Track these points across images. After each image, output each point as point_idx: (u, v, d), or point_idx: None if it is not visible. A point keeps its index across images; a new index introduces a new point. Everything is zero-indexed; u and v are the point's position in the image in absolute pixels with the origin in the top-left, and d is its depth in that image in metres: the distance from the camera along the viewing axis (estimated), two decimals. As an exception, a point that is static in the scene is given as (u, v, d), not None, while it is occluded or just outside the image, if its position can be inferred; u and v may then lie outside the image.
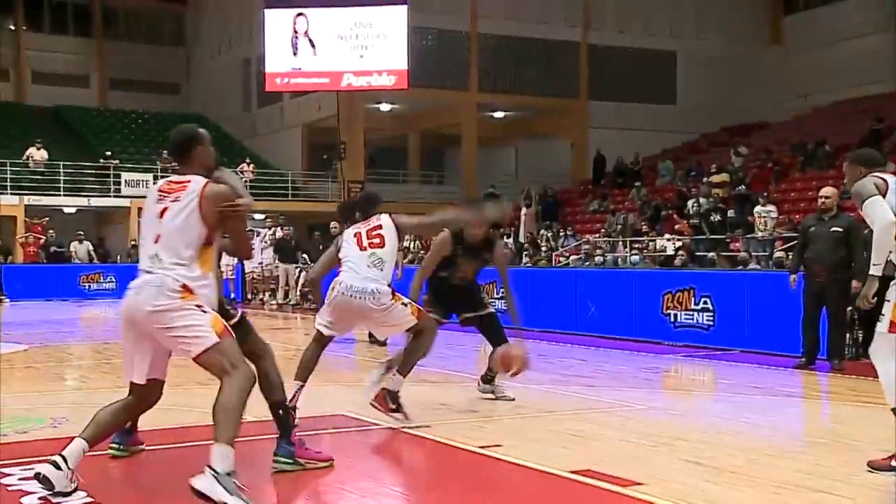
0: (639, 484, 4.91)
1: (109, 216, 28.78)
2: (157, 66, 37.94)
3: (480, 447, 5.80)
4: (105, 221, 28.87)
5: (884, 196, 5.08)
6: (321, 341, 6.80)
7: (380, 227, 6.63)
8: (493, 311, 8.09)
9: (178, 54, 38.73)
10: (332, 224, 23.89)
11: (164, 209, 4.53)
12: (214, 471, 4.08)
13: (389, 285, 6.47)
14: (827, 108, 28.67)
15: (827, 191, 10.97)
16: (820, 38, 29.92)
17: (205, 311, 4.50)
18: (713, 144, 30.15)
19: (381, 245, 6.57)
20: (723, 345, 12.28)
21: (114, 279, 24.01)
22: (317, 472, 5.49)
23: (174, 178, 4.74)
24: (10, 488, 4.70)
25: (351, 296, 6.46)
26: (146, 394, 4.69)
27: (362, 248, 6.58)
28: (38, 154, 27.82)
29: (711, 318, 12.91)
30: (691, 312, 13.34)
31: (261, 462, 5.24)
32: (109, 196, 28.12)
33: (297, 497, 5.46)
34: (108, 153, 29.02)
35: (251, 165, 29.50)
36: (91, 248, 25.83)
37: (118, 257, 26.98)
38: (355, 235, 6.70)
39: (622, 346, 13.21)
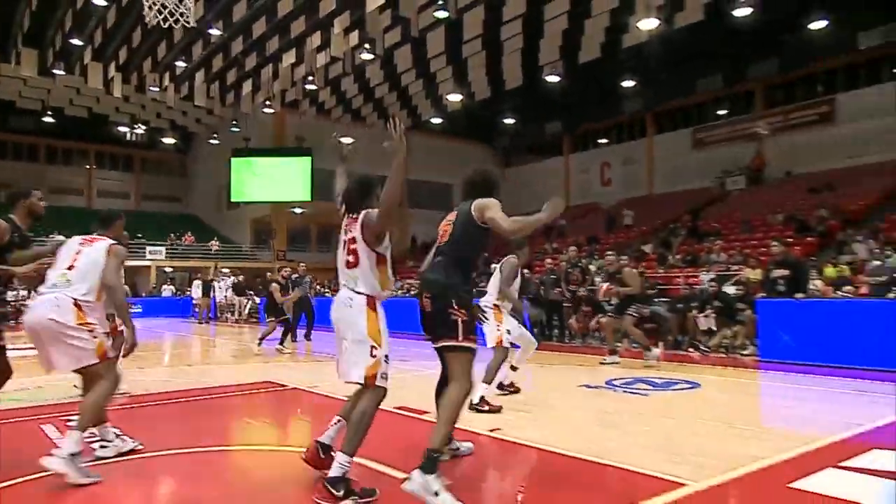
0: (426, 412, 4.85)
1: (138, 270, 27.22)
2: (169, 187, 36.43)
3: (346, 396, 5.49)
4: (136, 273, 27.26)
5: None
6: None
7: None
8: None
9: (182, 180, 37.28)
10: (268, 274, 23.56)
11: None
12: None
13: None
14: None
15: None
16: (529, 179, 31.56)
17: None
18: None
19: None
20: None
21: (141, 307, 22.75)
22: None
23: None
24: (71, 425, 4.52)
25: None
26: None
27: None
28: (97, 236, 26.29)
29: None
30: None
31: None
32: (138, 259, 26.58)
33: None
34: (139, 235, 27.59)
35: (217, 242, 29.02)
36: (127, 288, 24.41)
37: (142, 294, 25.53)
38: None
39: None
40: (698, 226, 20.17)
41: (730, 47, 20.31)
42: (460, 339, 3.07)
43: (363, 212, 3.26)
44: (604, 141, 30.40)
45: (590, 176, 30.47)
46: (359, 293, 3.17)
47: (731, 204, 22.65)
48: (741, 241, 17.08)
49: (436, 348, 3.20)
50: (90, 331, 3.48)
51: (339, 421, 3.36)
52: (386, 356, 3.13)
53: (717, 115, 25.93)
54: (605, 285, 9.07)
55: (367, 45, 17.73)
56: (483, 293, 5.58)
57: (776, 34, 19.28)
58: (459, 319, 3.06)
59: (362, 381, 3.10)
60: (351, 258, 3.22)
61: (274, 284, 10.86)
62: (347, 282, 3.23)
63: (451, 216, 3.43)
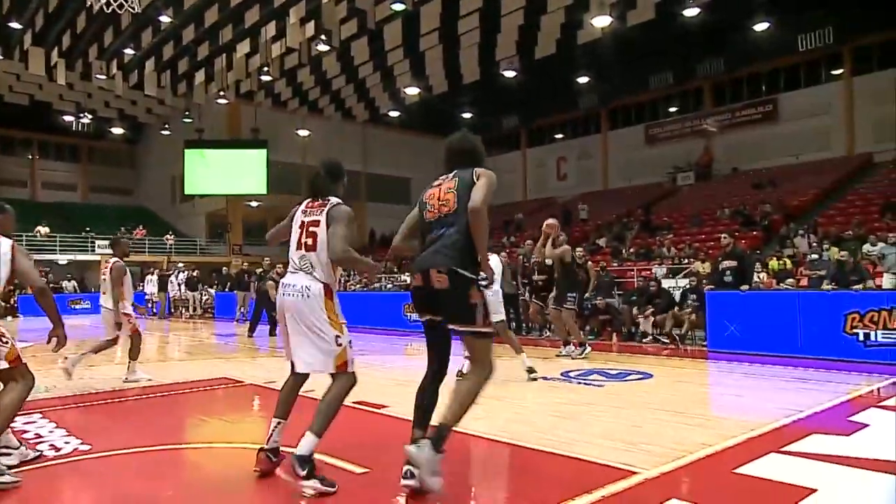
0: (386, 406, 4.84)
1: (87, 265, 26.32)
2: (119, 178, 35.24)
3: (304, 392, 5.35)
4: (84, 268, 26.30)
5: None
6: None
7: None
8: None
9: (132, 172, 36.11)
10: (224, 269, 23.02)
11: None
12: None
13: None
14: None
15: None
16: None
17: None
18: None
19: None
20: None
21: (90, 303, 22.00)
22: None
23: None
24: (12, 426, 4.33)
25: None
26: None
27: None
28: (43, 229, 25.32)
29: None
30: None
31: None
32: (87, 253, 25.84)
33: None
34: (87, 229, 26.67)
35: (172, 236, 28.09)
36: (76, 284, 23.67)
37: (92, 289, 24.66)
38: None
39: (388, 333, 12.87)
40: (651, 220, 20.63)
41: (680, 46, 20.79)
42: (481, 324, 2.87)
43: (333, 203, 3.20)
44: (560, 136, 30.75)
45: (546, 170, 30.82)
46: (316, 280, 3.09)
47: (682, 199, 23.24)
48: (691, 235, 17.55)
49: (455, 332, 2.95)
50: (0, 336, 3.23)
51: (278, 423, 3.23)
52: (349, 341, 3.13)
53: (669, 112, 26.56)
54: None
55: (323, 37, 17.47)
56: None
57: (723, 34, 19.83)
58: (479, 303, 2.85)
59: (333, 372, 3.09)
60: (309, 241, 3.13)
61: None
62: (303, 265, 3.13)
63: (448, 183, 3.04)
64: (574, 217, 24.17)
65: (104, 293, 6.43)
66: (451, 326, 2.95)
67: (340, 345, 3.07)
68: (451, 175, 3.09)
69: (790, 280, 10.17)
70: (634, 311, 10.40)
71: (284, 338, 3.24)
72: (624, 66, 21.94)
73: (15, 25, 18.10)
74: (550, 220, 7.78)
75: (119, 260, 6.37)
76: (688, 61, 23.83)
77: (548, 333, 11.33)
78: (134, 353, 6.51)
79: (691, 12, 15.16)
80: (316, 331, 3.07)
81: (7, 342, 3.26)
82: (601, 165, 28.59)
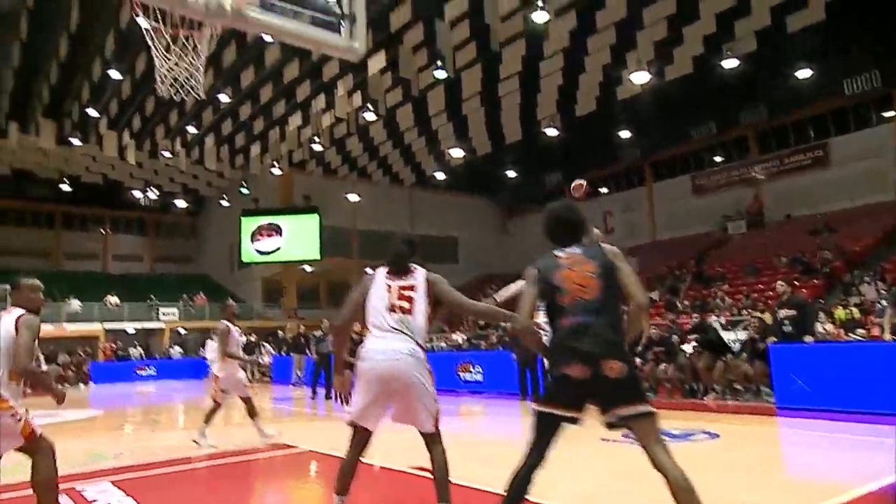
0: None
1: (152, 333, 27.09)
2: (181, 248, 36.73)
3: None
4: (150, 336, 27.08)
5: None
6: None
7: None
8: None
9: (194, 242, 37.57)
10: (279, 332, 23.35)
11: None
12: None
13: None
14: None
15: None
16: (531, 230, 31.44)
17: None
18: (484, 283, 30.80)
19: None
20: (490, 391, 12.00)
21: (155, 369, 22.60)
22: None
23: None
24: (85, 496, 4.38)
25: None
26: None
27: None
28: (112, 299, 26.35)
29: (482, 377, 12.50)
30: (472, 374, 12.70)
31: None
32: (153, 321, 26.73)
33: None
34: (152, 297, 27.65)
35: (232, 301, 28.75)
36: (142, 351, 24.41)
37: (157, 356, 25.33)
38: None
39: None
40: (703, 270, 20.05)
41: (720, 96, 20.63)
42: (648, 401, 2.69)
43: (422, 270, 3.29)
44: (604, 190, 30.58)
45: (592, 225, 30.54)
46: (417, 345, 3.13)
47: (734, 248, 22.57)
48: (748, 285, 16.94)
49: (624, 416, 2.63)
50: (13, 415, 3.11)
51: (341, 501, 3.13)
52: None
53: (714, 161, 26.16)
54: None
55: (370, 106, 18.12)
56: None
57: (764, 83, 19.61)
58: (641, 380, 2.75)
59: (432, 431, 3.16)
60: (406, 304, 3.14)
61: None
62: (401, 327, 3.10)
63: (586, 266, 2.73)
64: (623, 270, 23.70)
65: (214, 357, 6.79)
66: (622, 413, 2.62)
67: (436, 401, 3.18)
68: (576, 252, 2.81)
69: (861, 330, 9.58)
70: (675, 338, 9.97)
71: (369, 403, 3.08)
72: (664, 119, 21.87)
73: (92, 113, 19.46)
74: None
75: (225, 323, 6.63)
76: (729, 111, 23.57)
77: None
78: (208, 417, 6.76)
79: (730, 64, 15.11)
80: (424, 390, 3.12)
81: (20, 419, 3.16)
82: (648, 217, 28.19)
